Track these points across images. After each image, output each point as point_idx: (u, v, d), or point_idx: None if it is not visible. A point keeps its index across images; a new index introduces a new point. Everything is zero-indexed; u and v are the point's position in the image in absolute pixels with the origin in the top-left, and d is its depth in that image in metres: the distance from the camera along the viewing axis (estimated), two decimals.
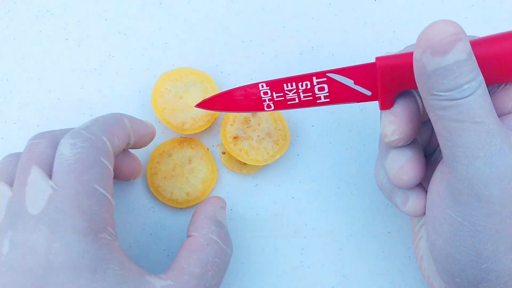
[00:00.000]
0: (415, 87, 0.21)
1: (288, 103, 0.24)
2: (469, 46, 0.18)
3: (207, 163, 0.29)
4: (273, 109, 0.24)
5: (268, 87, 0.23)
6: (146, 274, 0.22)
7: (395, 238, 0.29)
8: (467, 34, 0.18)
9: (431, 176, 0.22)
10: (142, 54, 0.31)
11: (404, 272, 0.29)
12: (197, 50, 0.31)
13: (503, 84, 0.21)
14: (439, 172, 0.21)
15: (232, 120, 0.29)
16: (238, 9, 0.31)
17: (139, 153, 0.30)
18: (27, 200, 0.21)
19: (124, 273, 0.21)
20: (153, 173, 0.29)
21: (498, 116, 0.19)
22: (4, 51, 0.30)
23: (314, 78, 0.22)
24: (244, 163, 0.29)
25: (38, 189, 0.21)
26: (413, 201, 0.22)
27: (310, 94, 0.23)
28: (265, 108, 0.24)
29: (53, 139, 0.23)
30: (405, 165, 0.22)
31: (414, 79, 0.20)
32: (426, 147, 0.25)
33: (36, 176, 0.21)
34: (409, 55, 0.20)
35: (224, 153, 0.29)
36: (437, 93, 0.18)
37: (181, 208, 0.29)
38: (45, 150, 0.23)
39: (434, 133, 0.24)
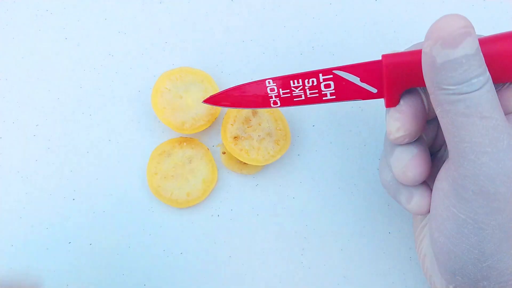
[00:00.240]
0: (421, 85, 0.21)
1: (295, 99, 0.24)
2: (477, 42, 0.18)
3: (207, 163, 0.29)
4: (280, 106, 0.24)
5: (275, 84, 0.24)
6: None
7: (396, 238, 0.29)
8: None
9: (436, 175, 0.22)
10: (142, 53, 0.30)
11: (405, 272, 0.29)
12: (197, 50, 0.31)
13: (507, 84, 0.21)
14: (444, 169, 0.21)
15: (233, 119, 0.29)
16: (238, 8, 0.31)
17: (138, 153, 0.30)
18: None
19: None
20: (153, 173, 0.29)
21: None
22: (3, 50, 0.30)
23: (320, 75, 0.23)
24: (245, 163, 0.29)
25: None
26: (418, 199, 0.22)
27: (317, 91, 0.23)
28: (272, 105, 0.24)
29: None
30: (410, 162, 0.22)
31: (420, 77, 0.20)
32: (432, 145, 0.25)
33: None
34: (416, 53, 0.20)
35: (224, 153, 0.29)
36: (445, 86, 0.18)
37: (181, 208, 0.29)
38: None
39: (440, 131, 0.24)
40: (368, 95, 0.23)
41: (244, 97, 0.24)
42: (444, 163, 0.21)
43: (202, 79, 0.29)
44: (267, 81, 0.24)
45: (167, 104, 0.28)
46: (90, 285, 0.29)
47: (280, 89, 0.24)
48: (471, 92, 0.18)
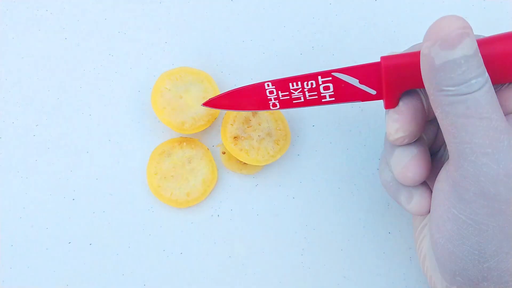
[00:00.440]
0: (420, 86, 0.21)
1: (294, 102, 0.24)
2: (475, 43, 0.18)
3: (207, 163, 0.29)
4: (279, 108, 0.24)
5: (274, 86, 0.24)
6: None
7: (396, 238, 0.29)
8: None
9: (436, 175, 0.22)
10: (142, 53, 0.30)
11: (405, 272, 0.29)
12: (197, 50, 0.31)
13: (506, 84, 0.21)
14: (444, 171, 0.21)
15: (233, 120, 0.28)
16: (238, 9, 0.31)
17: (138, 153, 0.30)
18: None
19: None
20: (153, 173, 0.29)
21: None
22: (3, 50, 0.30)
23: (319, 77, 0.23)
24: (245, 163, 0.29)
25: None
26: (418, 199, 0.22)
27: (316, 93, 0.23)
28: (271, 107, 0.24)
29: None
30: (410, 163, 0.22)
31: (419, 78, 0.20)
32: (432, 145, 0.25)
33: None
34: (414, 55, 0.20)
35: (224, 153, 0.29)
36: (445, 88, 0.18)
37: (181, 208, 0.29)
38: None
39: (440, 131, 0.24)
40: (367, 97, 0.23)
41: (243, 99, 0.24)
42: (444, 164, 0.21)
43: (202, 79, 0.29)
44: (266, 84, 0.24)
45: (167, 104, 0.28)
46: (90, 285, 0.29)
47: (279, 92, 0.24)
48: (470, 93, 0.18)
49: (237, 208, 0.30)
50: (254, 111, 0.29)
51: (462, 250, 0.20)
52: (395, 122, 0.22)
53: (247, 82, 0.30)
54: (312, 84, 0.23)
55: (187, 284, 0.29)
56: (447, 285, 0.21)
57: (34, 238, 0.29)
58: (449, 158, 0.20)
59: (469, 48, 0.18)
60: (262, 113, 0.29)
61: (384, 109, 0.23)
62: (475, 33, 0.21)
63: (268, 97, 0.24)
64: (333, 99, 0.23)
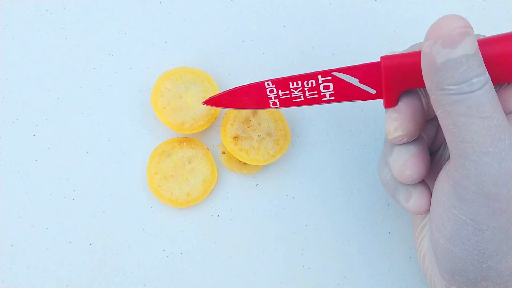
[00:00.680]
0: (419, 86, 0.21)
1: (294, 100, 0.24)
2: (476, 42, 0.18)
3: (207, 163, 0.29)
4: (279, 107, 0.24)
5: (274, 85, 0.24)
6: None
7: (396, 238, 0.29)
8: None
9: (436, 175, 0.22)
10: (141, 53, 0.30)
11: (405, 272, 0.29)
12: (197, 50, 0.31)
13: (505, 84, 0.21)
14: (444, 171, 0.21)
15: (233, 119, 0.28)
16: (238, 8, 0.31)
17: (138, 153, 0.30)
18: None
19: None
20: (153, 173, 0.29)
21: None
22: (3, 50, 0.30)
23: (319, 76, 0.23)
24: (245, 163, 0.29)
25: None
26: (416, 198, 0.23)
27: (316, 92, 0.23)
28: (271, 106, 0.25)
29: None
30: (408, 161, 0.22)
31: (419, 78, 0.20)
32: (431, 145, 0.25)
33: None
34: (414, 54, 0.20)
35: (224, 153, 0.29)
36: (446, 87, 0.18)
37: (181, 208, 0.29)
38: None
39: (440, 130, 0.24)
40: (367, 96, 0.23)
41: (244, 98, 0.25)
42: (445, 164, 0.21)
43: (202, 79, 0.29)
44: (266, 83, 0.24)
45: (167, 104, 0.28)
46: (90, 285, 0.29)
47: (280, 91, 0.24)
48: (472, 91, 0.18)
49: (237, 208, 0.30)
50: (254, 111, 0.29)
51: (462, 250, 0.20)
52: (394, 121, 0.22)
53: (247, 82, 0.30)
54: (312, 83, 0.23)
55: (187, 284, 0.29)
56: (446, 284, 0.22)
57: (34, 238, 0.29)
58: (450, 158, 0.20)
59: (470, 47, 0.18)
60: (262, 113, 0.29)
61: (384, 109, 0.23)
62: (475, 33, 0.21)
63: (269, 96, 0.24)
64: (333, 98, 0.23)
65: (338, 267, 0.29)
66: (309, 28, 0.31)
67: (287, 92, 0.24)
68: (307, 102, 0.24)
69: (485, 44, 0.19)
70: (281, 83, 0.24)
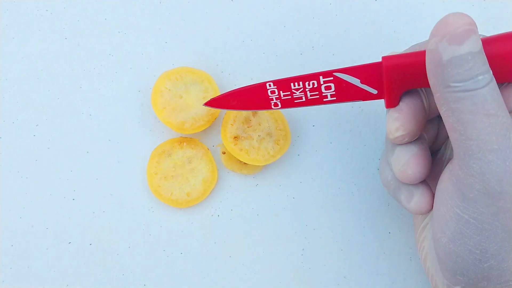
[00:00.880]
0: (420, 86, 0.21)
1: (295, 101, 0.24)
2: (480, 40, 0.18)
3: (207, 163, 0.29)
4: (280, 107, 0.24)
5: (276, 86, 0.24)
6: None
7: (396, 238, 0.29)
8: None
9: (438, 174, 0.22)
10: (142, 53, 0.30)
11: (405, 272, 0.29)
12: (197, 50, 0.31)
13: (505, 83, 0.21)
14: (448, 170, 0.21)
15: (233, 119, 0.28)
16: (239, 8, 0.31)
17: (138, 153, 0.30)
18: None
19: None
20: (153, 173, 0.29)
21: None
22: (3, 50, 0.30)
23: (321, 77, 0.23)
24: (245, 163, 0.29)
25: None
26: (418, 198, 0.23)
27: (317, 93, 0.23)
28: (272, 107, 0.25)
29: None
30: (410, 160, 0.22)
31: (420, 78, 0.20)
32: (433, 144, 0.25)
33: None
34: (415, 54, 0.20)
35: (224, 153, 0.29)
36: (452, 84, 0.18)
37: (181, 208, 0.29)
38: None
39: (441, 130, 0.24)
40: (368, 96, 0.23)
41: (245, 99, 0.25)
42: (448, 164, 0.21)
43: (202, 79, 0.29)
44: (267, 84, 0.24)
45: (167, 104, 0.28)
46: (90, 285, 0.29)
47: (281, 92, 0.24)
48: (477, 89, 0.18)
49: (237, 208, 0.30)
50: (254, 111, 0.29)
51: (464, 249, 0.20)
52: (395, 120, 0.22)
53: (247, 82, 0.30)
54: (313, 84, 0.23)
55: (187, 284, 0.29)
56: (448, 284, 0.22)
57: (34, 238, 0.29)
58: (454, 157, 0.20)
59: (476, 44, 0.18)
60: (262, 113, 0.29)
61: (385, 109, 0.23)
62: None
63: (270, 97, 0.24)
64: (335, 98, 0.23)
65: (338, 267, 0.29)
66: (309, 28, 0.31)
67: (289, 93, 0.24)
68: (309, 102, 0.24)
69: (485, 43, 0.19)
70: (283, 84, 0.24)
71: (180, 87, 0.29)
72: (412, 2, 0.31)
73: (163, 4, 0.31)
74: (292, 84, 0.23)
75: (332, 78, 0.23)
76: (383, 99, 0.23)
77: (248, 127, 0.29)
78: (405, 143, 0.22)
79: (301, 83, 0.23)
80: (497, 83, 0.20)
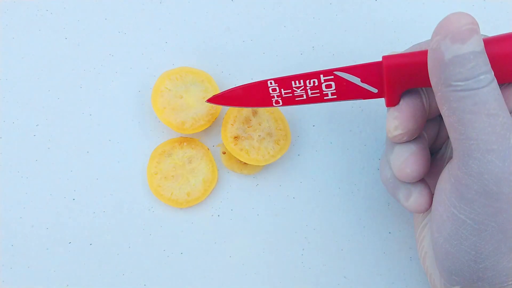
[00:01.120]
0: (420, 85, 0.21)
1: (296, 99, 0.24)
2: (482, 40, 0.18)
3: (207, 163, 0.29)
4: (281, 105, 0.25)
5: (277, 84, 0.24)
6: None
7: (396, 238, 0.29)
8: None
9: (437, 174, 0.22)
10: (142, 53, 0.30)
11: (406, 272, 0.29)
12: (197, 50, 0.31)
13: (505, 84, 0.21)
14: (447, 170, 0.21)
15: (233, 119, 0.28)
16: (239, 8, 0.31)
17: (139, 153, 0.30)
18: None
19: None
20: (153, 173, 0.29)
21: None
22: (3, 50, 0.30)
23: (321, 76, 0.23)
24: (245, 163, 0.29)
25: None
26: (416, 197, 0.23)
27: (318, 91, 0.23)
28: (274, 104, 0.25)
29: None
30: (408, 159, 0.22)
31: (420, 78, 0.20)
32: (433, 144, 0.25)
33: None
34: (416, 54, 0.20)
35: (224, 153, 0.29)
36: (454, 83, 0.18)
37: (181, 208, 0.29)
38: None
39: (441, 129, 0.24)
40: (369, 95, 0.23)
41: (247, 96, 0.25)
42: (447, 164, 0.21)
43: (202, 79, 0.29)
44: (269, 82, 0.24)
45: (167, 104, 0.28)
46: (90, 285, 0.29)
47: (282, 89, 0.24)
48: (478, 88, 0.18)
49: (237, 208, 0.30)
50: (254, 110, 0.29)
51: (459, 250, 0.20)
52: (394, 119, 0.22)
53: (247, 82, 0.30)
54: (314, 82, 0.23)
55: (187, 284, 0.29)
56: (445, 283, 0.22)
57: (34, 238, 0.29)
58: (453, 157, 0.20)
59: (478, 44, 0.18)
60: (263, 113, 0.29)
61: (385, 108, 0.23)
62: None
63: (271, 95, 0.24)
64: (335, 97, 0.23)
65: (339, 267, 0.29)
66: (310, 28, 0.31)
67: (290, 91, 0.24)
68: (309, 100, 0.24)
69: (486, 43, 0.19)
70: (284, 82, 0.24)
71: (180, 87, 0.29)
72: (412, 2, 0.31)
73: (163, 4, 0.31)
74: (293, 82, 0.24)
75: (332, 76, 0.23)
76: (383, 98, 0.23)
77: (248, 127, 0.29)
78: (404, 142, 0.22)
79: (302, 81, 0.23)
80: (499, 83, 0.21)
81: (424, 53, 0.20)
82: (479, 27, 0.18)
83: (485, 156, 0.18)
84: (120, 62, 0.30)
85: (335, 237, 0.29)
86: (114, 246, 0.29)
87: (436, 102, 0.23)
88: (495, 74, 0.19)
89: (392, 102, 0.22)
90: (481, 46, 0.18)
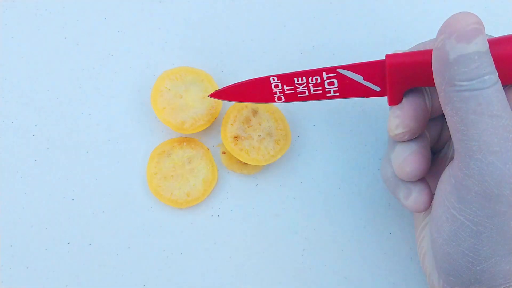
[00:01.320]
0: (423, 85, 0.21)
1: (299, 96, 0.24)
2: (487, 41, 0.18)
3: (207, 163, 0.29)
4: (284, 101, 0.25)
5: (279, 81, 0.24)
6: None
7: (397, 238, 0.29)
8: None
9: (439, 174, 0.22)
10: (141, 53, 0.30)
11: (406, 273, 0.29)
12: (197, 49, 0.30)
13: (508, 85, 0.21)
14: (448, 171, 0.21)
15: (233, 119, 0.28)
16: (239, 8, 0.31)
17: (138, 153, 0.29)
18: None
19: None
20: (153, 173, 0.29)
21: None
22: (3, 50, 0.30)
23: (324, 73, 0.23)
24: (245, 163, 0.29)
25: None
26: (416, 196, 0.23)
27: (320, 88, 0.24)
28: (276, 100, 0.25)
29: None
30: (409, 157, 0.22)
31: (423, 77, 0.20)
32: (436, 143, 0.25)
33: None
34: (419, 54, 0.20)
35: (224, 153, 0.29)
36: (458, 83, 0.18)
37: (181, 208, 0.29)
38: None
39: (444, 129, 0.24)
40: (371, 93, 0.23)
41: (249, 92, 0.25)
42: (448, 165, 0.21)
43: (202, 78, 0.29)
44: (271, 78, 0.24)
45: (167, 103, 0.28)
46: (90, 285, 0.29)
47: (284, 86, 0.24)
48: (482, 89, 0.18)
49: (237, 208, 0.29)
50: (254, 110, 0.29)
51: (457, 251, 0.20)
52: (396, 118, 0.22)
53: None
54: (316, 79, 0.23)
55: (187, 284, 0.29)
56: (443, 284, 0.22)
57: (33, 238, 0.29)
58: (454, 157, 0.20)
59: (483, 44, 0.18)
60: (263, 113, 0.29)
61: (387, 107, 0.23)
62: None
63: (274, 91, 0.24)
64: (338, 94, 0.23)
65: (339, 267, 0.29)
66: (310, 28, 0.31)
67: (292, 87, 0.24)
68: (312, 97, 0.24)
69: (491, 44, 0.19)
70: (286, 78, 0.24)
71: (180, 87, 0.29)
72: (413, 2, 0.31)
73: (163, 4, 0.31)
74: (295, 79, 0.24)
75: (335, 74, 0.23)
76: (386, 97, 0.23)
77: (248, 127, 0.28)
78: (406, 141, 0.22)
79: (304, 78, 0.23)
80: (502, 85, 0.20)
81: (426, 53, 0.20)
82: (484, 27, 0.18)
83: (487, 158, 0.18)
84: (119, 62, 0.30)
85: (336, 237, 0.29)
86: (114, 246, 0.29)
87: (439, 102, 0.23)
88: (499, 76, 0.19)
89: (394, 101, 0.22)
90: (486, 46, 0.18)
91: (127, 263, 0.29)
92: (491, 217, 0.18)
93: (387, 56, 0.21)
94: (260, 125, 0.29)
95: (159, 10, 0.31)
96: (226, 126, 0.28)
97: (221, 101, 0.29)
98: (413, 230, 0.29)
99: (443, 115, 0.24)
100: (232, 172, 0.30)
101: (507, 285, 0.20)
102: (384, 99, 0.30)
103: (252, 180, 0.30)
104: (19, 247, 0.29)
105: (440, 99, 0.19)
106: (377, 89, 0.23)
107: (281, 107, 0.30)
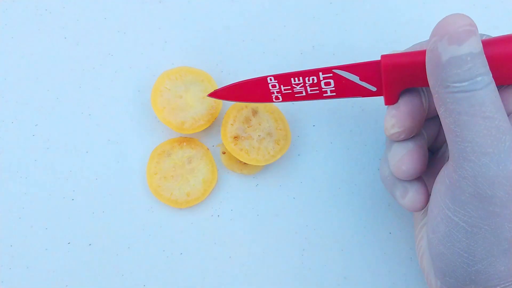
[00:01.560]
0: (419, 85, 0.21)
1: (296, 95, 0.24)
2: (480, 42, 0.18)
3: (207, 163, 0.29)
4: (281, 101, 0.25)
5: (276, 81, 0.24)
6: None
7: (397, 238, 0.29)
8: None
9: (436, 173, 0.22)
10: (141, 53, 0.30)
11: (406, 273, 0.29)
12: (197, 49, 0.30)
13: (504, 86, 0.21)
14: (442, 171, 0.21)
15: (233, 119, 0.28)
16: (239, 8, 0.31)
17: (138, 153, 0.29)
18: None
19: None
20: (153, 173, 0.29)
21: None
22: (2, 49, 0.30)
23: (320, 73, 0.23)
24: (245, 163, 0.29)
25: None
26: (412, 195, 0.23)
27: (317, 88, 0.24)
28: (274, 100, 0.25)
29: None
30: (405, 156, 0.22)
31: (418, 77, 0.20)
32: (433, 143, 0.25)
33: None
34: (414, 54, 0.20)
35: (224, 153, 0.29)
36: (450, 84, 0.18)
37: (181, 208, 0.29)
38: None
39: (441, 130, 0.24)
40: (367, 93, 0.23)
41: (247, 92, 0.25)
42: (444, 166, 0.21)
43: (202, 78, 0.29)
44: (268, 78, 0.24)
45: (167, 103, 0.28)
46: (90, 285, 0.29)
47: (282, 86, 0.24)
48: (475, 90, 0.18)
49: (237, 208, 0.29)
50: (254, 110, 0.29)
51: (452, 252, 0.20)
52: (392, 117, 0.22)
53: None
54: (313, 79, 0.23)
55: (187, 284, 0.29)
56: (440, 284, 0.22)
57: (33, 238, 0.29)
58: (449, 159, 0.20)
59: (475, 46, 0.18)
60: (263, 113, 0.29)
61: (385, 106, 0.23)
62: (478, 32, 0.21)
63: (271, 91, 0.25)
64: (334, 94, 0.24)
65: (339, 267, 0.29)
66: (310, 28, 0.31)
67: (289, 87, 0.24)
68: (309, 97, 0.24)
69: (486, 45, 0.19)
70: (283, 78, 0.24)
71: (180, 87, 0.29)
72: (412, 2, 0.31)
73: (163, 4, 0.31)
74: (292, 79, 0.24)
75: (331, 74, 0.23)
76: (381, 99, 0.23)
77: (248, 127, 0.28)
78: (402, 140, 0.23)
79: (301, 78, 0.24)
80: (497, 85, 0.20)
81: (422, 53, 0.20)
82: (477, 29, 0.18)
83: (480, 159, 0.18)
84: (119, 62, 0.30)
85: (336, 237, 0.29)
86: (114, 246, 0.29)
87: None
88: (496, 76, 0.19)
89: (390, 101, 0.22)
90: (479, 47, 0.18)
91: (127, 263, 0.29)
92: (485, 218, 0.18)
93: (382, 56, 0.21)
94: (260, 125, 0.29)
95: (159, 10, 0.31)
96: (226, 126, 0.28)
97: (221, 101, 0.29)
98: (412, 230, 0.29)
99: None
100: (232, 172, 0.30)
101: (502, 286, 0.20)
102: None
103: (252, 180, 0.30)
104: (19, 247, 0.29)
105: (434, 100, 0.19)
106: (373, 89, 0.23)
107: (281, 107, 0.30)
